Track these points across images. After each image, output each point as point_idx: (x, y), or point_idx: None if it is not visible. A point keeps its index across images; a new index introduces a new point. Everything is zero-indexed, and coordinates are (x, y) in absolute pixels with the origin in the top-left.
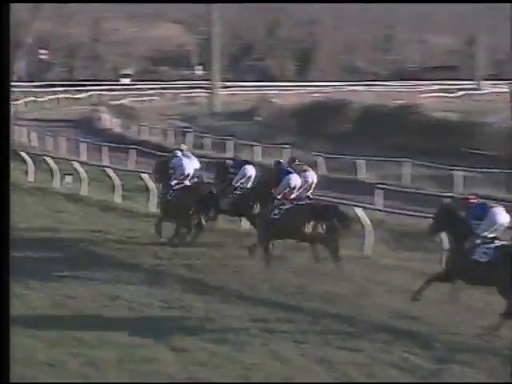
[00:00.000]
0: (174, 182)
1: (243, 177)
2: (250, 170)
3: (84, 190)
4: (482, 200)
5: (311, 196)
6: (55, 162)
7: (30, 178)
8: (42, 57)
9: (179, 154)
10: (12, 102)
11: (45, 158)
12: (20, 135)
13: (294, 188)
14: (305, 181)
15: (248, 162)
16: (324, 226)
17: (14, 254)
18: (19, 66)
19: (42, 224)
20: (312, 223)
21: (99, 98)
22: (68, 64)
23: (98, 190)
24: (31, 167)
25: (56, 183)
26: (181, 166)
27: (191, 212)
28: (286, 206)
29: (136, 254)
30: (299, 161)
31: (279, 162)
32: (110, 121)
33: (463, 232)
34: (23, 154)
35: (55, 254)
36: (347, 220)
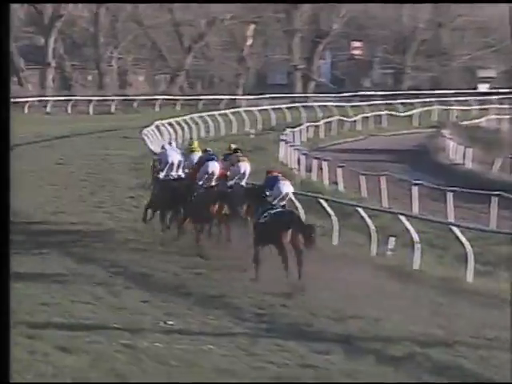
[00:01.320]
0: (161, 175)
1: (205, 173)
2: (211, 167)
3: (416, 261)
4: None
5: (244, 185)
6: (371, 216)
7: (335, 239)
8: (355, 52)
9: (167, 146)
10: (309, 124)
11: (356, 208)
12: (318, 172)
13: (212, 174)
14: (237, 170)
15: (212, 159)
16: (227, 209)
17: None
18: (321, 66)
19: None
20: (217, 206)
21: (442, 115)
22: (394, 62)
23: (438, 260)
24: (335, 223)
25: (374, 249)
26: (164, 155)
27: (167, 203)
28: (201, 191)
29: None
30: (240, 151)
31: (206, 150)
32: (458, 151)
33: (259, 200)
34: (323, 203)
35: None
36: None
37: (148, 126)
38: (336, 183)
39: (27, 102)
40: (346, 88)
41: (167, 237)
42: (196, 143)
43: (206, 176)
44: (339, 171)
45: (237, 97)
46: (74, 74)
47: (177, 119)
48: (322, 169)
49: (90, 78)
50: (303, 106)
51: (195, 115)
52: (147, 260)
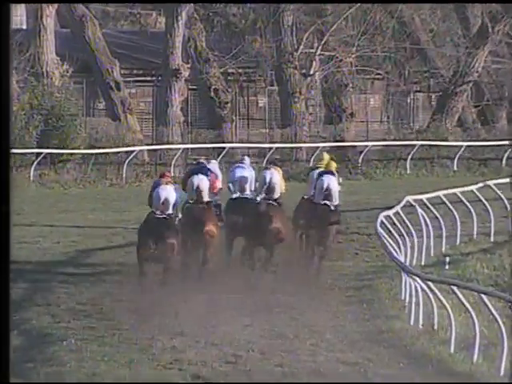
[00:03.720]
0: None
1: (191, 188)
2: (196, 180)
3: None
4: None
5: (266, 196)
6: None
7: None
8: None
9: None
10: None
11: None
12: None
13: (198, 189)
14: (262, 180)
15: (199, 172)
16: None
17: None
18: None
19: None
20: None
21: None
22: None
23: None
24: None
25: None
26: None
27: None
28: (187, 206)
29: None
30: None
31: (198, 161)
32: None
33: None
34: None
35: None
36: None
37: (390, 207)
38: None
39: (131, 152)
40: None
41: None
42: (327, 156)
43: (193, 191)
44: None
45: None
46: (228, 94)
47: (450, 191)
48: None
49: (262, 102)
50: None
51: (492, 182)
52: None
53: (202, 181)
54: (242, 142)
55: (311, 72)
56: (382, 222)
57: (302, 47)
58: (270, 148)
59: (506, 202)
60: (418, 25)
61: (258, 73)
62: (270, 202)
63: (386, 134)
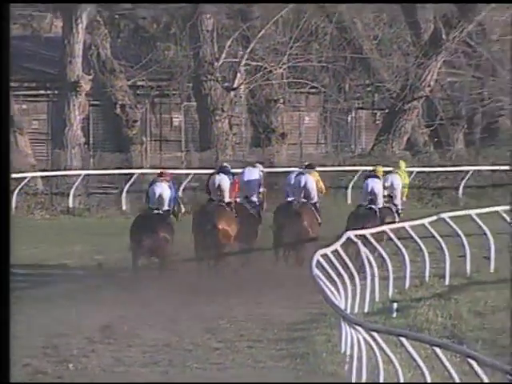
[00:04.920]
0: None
1: (212, 187)
2: (217, 179)
3: None
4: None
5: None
6: None
7: None
8: None
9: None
10: None
11: None
12: None
13: (219, 188)
14: (296, 184)
15: (220, 172)
16: None
17: None
18: None
19: None
20: None
21: None
22: None
23: None
24: None
25: None
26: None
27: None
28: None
29: None
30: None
31: (221, 165)
32: None
33: None
34: None
35: None
36: None
37: (328, 245)
38: None
39: (22, 180)
40: None
41: None
42: (403, 164)
43: (215, 191)
44: None
45: None
46: (137, 111)
47: (397, 226)
48: None
49: (177, 120)
50: None
51: (447, 215)
52: None
53: (222, 180)
54: (154, 168)
55: (235, 85)
56: (318, 262)
57: (224, 56)
58: (187, 174)
59: (463, 238)
60: (360, 30)
61: (172, 86)
62: (306, 203)
63: (324, 158)
